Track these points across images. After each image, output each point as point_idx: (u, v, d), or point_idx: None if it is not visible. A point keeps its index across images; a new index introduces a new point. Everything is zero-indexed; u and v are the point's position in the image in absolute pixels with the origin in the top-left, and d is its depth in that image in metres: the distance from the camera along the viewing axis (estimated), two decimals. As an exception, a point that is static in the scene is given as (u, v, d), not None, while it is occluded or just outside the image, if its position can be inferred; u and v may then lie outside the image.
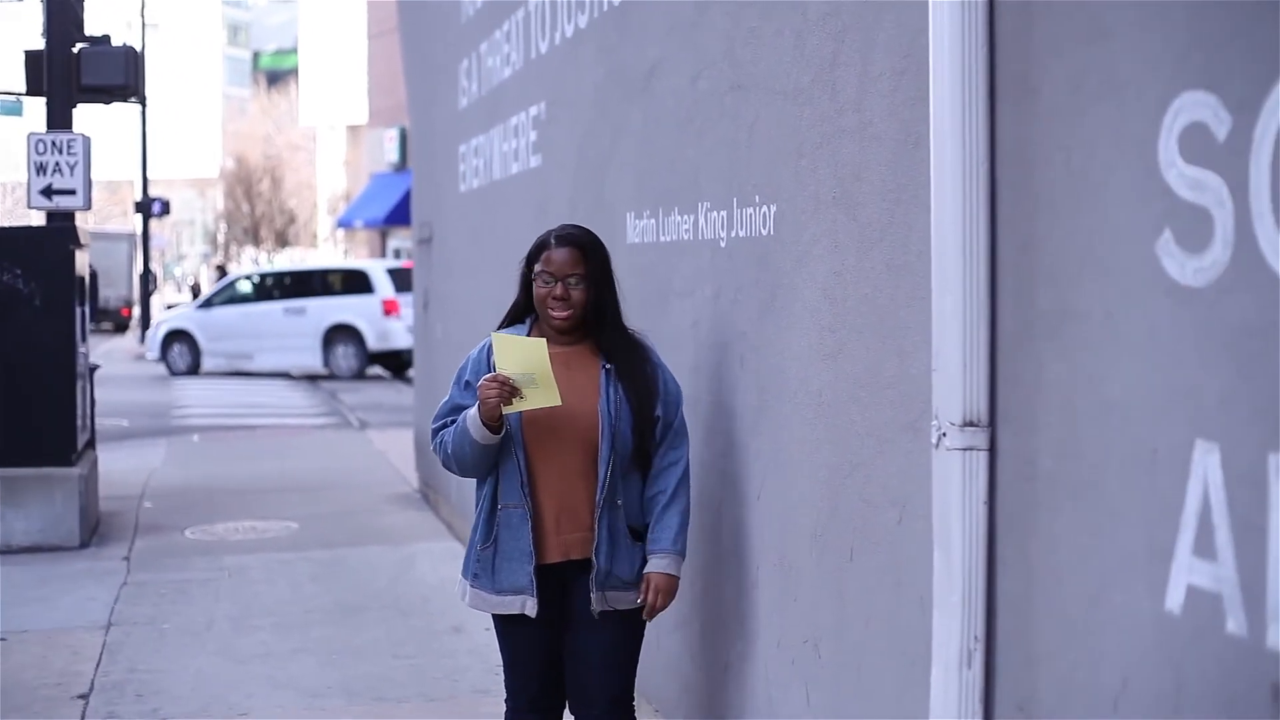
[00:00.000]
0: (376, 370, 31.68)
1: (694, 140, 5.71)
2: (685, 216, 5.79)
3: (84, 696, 7.61)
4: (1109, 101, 3.05)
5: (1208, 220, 2.73)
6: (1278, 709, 2.57)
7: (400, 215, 42.02)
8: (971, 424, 3.50)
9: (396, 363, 31.37)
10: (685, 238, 5.80)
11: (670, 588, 4.98)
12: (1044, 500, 3.33)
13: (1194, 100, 2.76)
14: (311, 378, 30.38)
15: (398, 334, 29.77)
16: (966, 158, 3.44)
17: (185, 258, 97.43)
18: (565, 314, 4.86)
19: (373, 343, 30.25)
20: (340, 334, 30.37)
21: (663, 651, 6.21)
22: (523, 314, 5.00)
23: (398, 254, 48.99)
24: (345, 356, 30.34)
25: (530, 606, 4.90)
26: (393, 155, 46.06)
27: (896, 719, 4.07)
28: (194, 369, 31.06)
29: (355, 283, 31.10)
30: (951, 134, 3.46)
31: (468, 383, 4.96)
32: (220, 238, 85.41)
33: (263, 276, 33.15)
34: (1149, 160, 2.88)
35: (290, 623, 9.06)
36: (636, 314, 6.31)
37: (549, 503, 4.91)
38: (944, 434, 3.54)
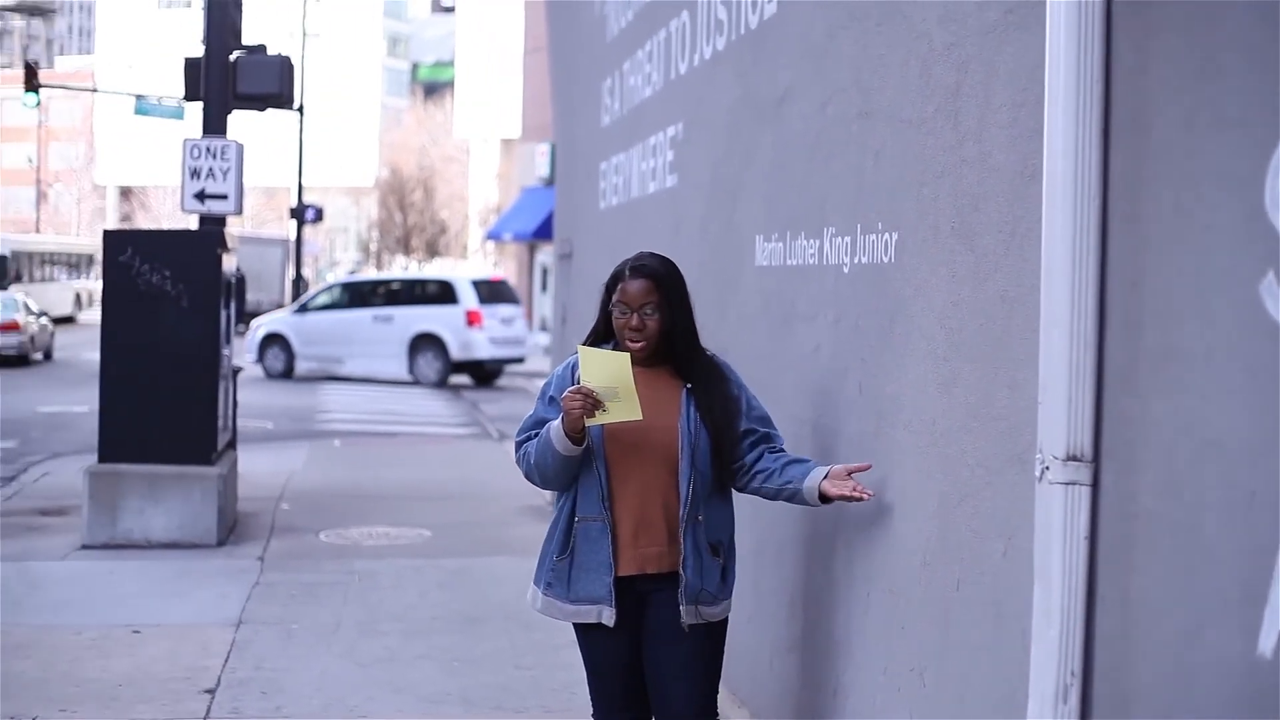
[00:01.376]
0: (463, 379, 32.37)
1: (822, 166, 5.73)
2: (811, 241, 5.81)
3: (210, 691, 7.77)
4: (1218, 140, 3.04)
5: (1310, 263, 2.72)
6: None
7: (548, 229, 42.15)
8: (1075, 459, 3.49)
9: (480, 372, 32.10)
10: (810, 262, 5.82)
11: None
12: (1143, 538, 3.32)
13: (1301, 143, 2.75)
14: (401, 382, 31.08)
15: (480, 344, 30.77)
16: (1078, 192, 3.44)
17: (338, 264, 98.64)
18: (640, 345, 4.95)
19: (455, 352, 30.94)
20: (425, 342, 31.07)
21: (775, 674, 6.23)
22: (602, 340, 5.08)
23: (545, 268, 49.40)
24: (429, 365, 31.02)
25: (608, 616, 4.98)
26: (543, 170, 46.33)
27: (995, 751, 4.07)
28: (288, 372, 31.74)
29: (441, 293, 31.83)
30: (1064, 168, 3.46)
31: (551, 398, 5.06)
32: (372, 246, 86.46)
33: (355, 284, 33.88)
34: (1254, 201, 2.88)
35: (414, 629, 9.17)
36: (762, 336, 6.37)
37: (627, 517, 4.98)
38: (1047, 468, 3.54)
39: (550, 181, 43.87)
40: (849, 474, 4.91)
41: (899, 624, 4.87)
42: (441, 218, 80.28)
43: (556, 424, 4.88)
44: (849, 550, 5.35)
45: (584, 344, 5.10)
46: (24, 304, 36.01)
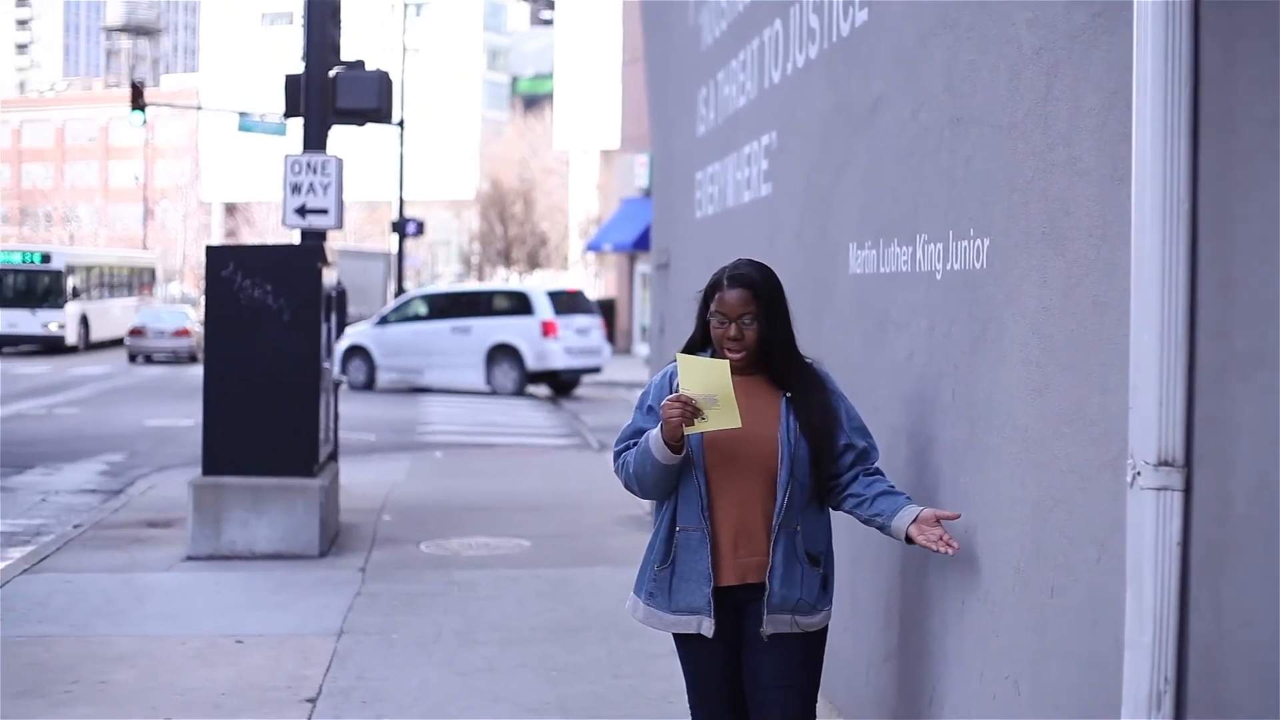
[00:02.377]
0: (541, 389, 32.72)
1: (914, 172, 5.72)
2: (904, 248, 5.80)
3: (311, 700, 7.84)
4: (1308, 141, 3.02)
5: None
6: None
7: (648, 240, 42.26)
8: (1166, 464, 3.47)
9: (557, 382, 32.59)
10: (904, 269, 5.81)
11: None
12: (1236, 543, 3.29)
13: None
14: (479, 393, 31.49)
15: (555, 354, 31.32)
16: (1168, 195, 3.42)
17: (440, 277, 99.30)
18: (739, 355, 4.92)
19: (531, 362, 31.42)
20: (501, 353, 31.59)
21: (872, 684, 6.22)
22: (699, 349, 5.06)
23: (644, 279, 49.47)
24: (505, 375, 31.54)
25: (707, 627, 4.97)
26: (643, 180, 46.45)
27: (1091, 759, 4.04)
28: (369, 384, 32.22)
29: (517, 304, 32.38)
30: (1153, 171, 3.44)
31: (650, 408, 5.06)
32: (474, 259, 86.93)
33: (434, 296, 34.35)
34: (1346, 202, 2.85)
35: (514, 639, 9.21)
36: (856, 344, 6.36)
37: (726, 526, 4.96)
38: (1139, 473, 3.52)
39: (649, 192, 44.00)
40: (937, 519, 4.89)
41: (993, 631, 4.85)
42: (542, 229, 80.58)
43: (655, 433, 4.88)
44: (944, 559, 5.31)
45: (681, 353, 5.11)
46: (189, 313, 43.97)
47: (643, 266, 49.76)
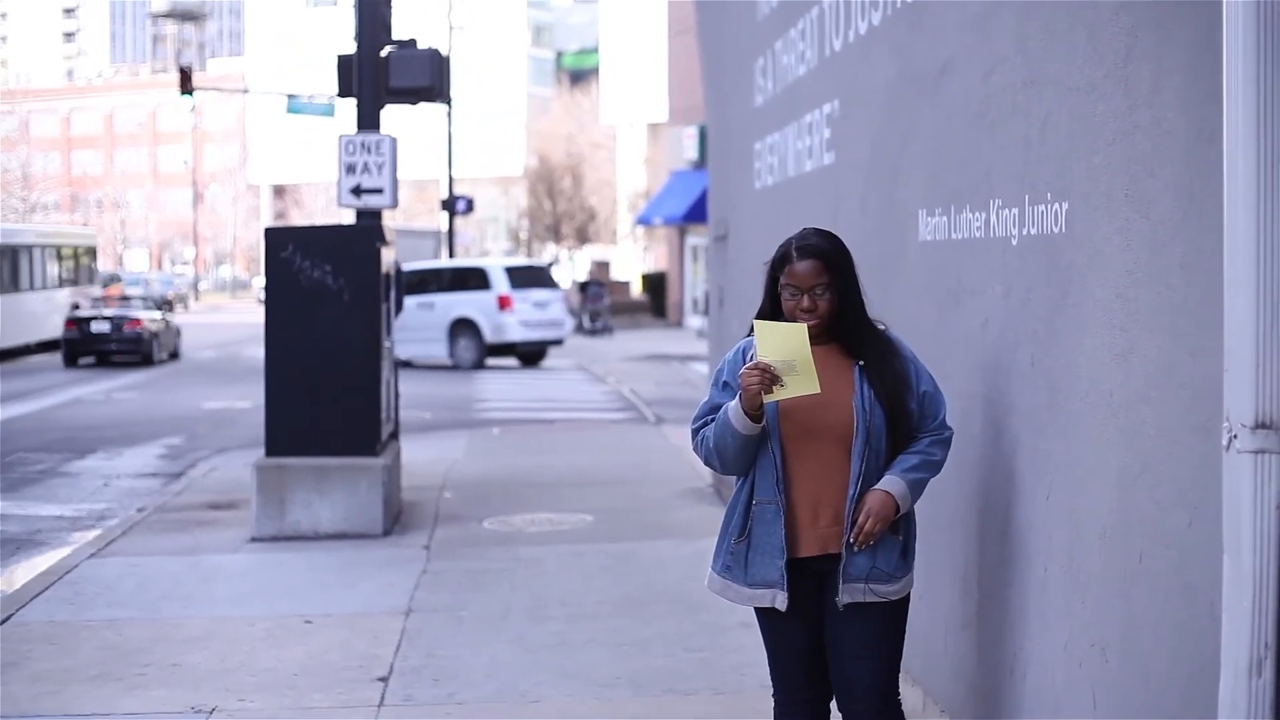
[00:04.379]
0: (503, 361, 34.01)
1: (986, 137, 5.66)
2: (977, 214, 5.74)
3: (383, 679, 7.86)
4: None
5: None
6: None
7: (698, 212, 42.33)
8: (1264, 426, 3.41)
9: (519, 354, 34.08)
10: (977, 235, 5.75)
11: (882, 508, 4.88)
12: (1339, 506, 3.23)
13: None
14: (443, 367, 32.42)
15: (511, 328, 32.82)
16: (1261, 153, 3.36)
17: (488, 253, 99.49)
18: (814, 325, 4.86)
19: (488, 335, 32.82)
20: (462, 327, 32.87)
21: (949, 653, 6.18)
22: (768, 319, 5.01)
23: (695, 251, 49.42)
24: (466, 348, 32.84)
25: (780, 601, 4.95)
26: (692, 153, 46.37)
27: (1185, 726, 3.99)
28: None
29: (477, 280, 33.71)
30: (1245, 128, 3.38)
31: (726, 383, 5.03)
32: (523, 235, 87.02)
33: (406, 274, 35.31)
34: None
35: (581, 614, 9.21)
36: (927, 310, 6.31)
37: (804, 497, 4.94)
38: (1235, 436, 3.46)
39: (699, 164, 43.96)
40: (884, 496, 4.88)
41: (1079, 599, 4.80)
42: (590, 204, 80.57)
43: (734, 404, 4.85)
44: (1023, 526, 5.28)
45: (750, 330, 5.08)
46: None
47: (693, 239, 49.70)
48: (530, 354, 34.30)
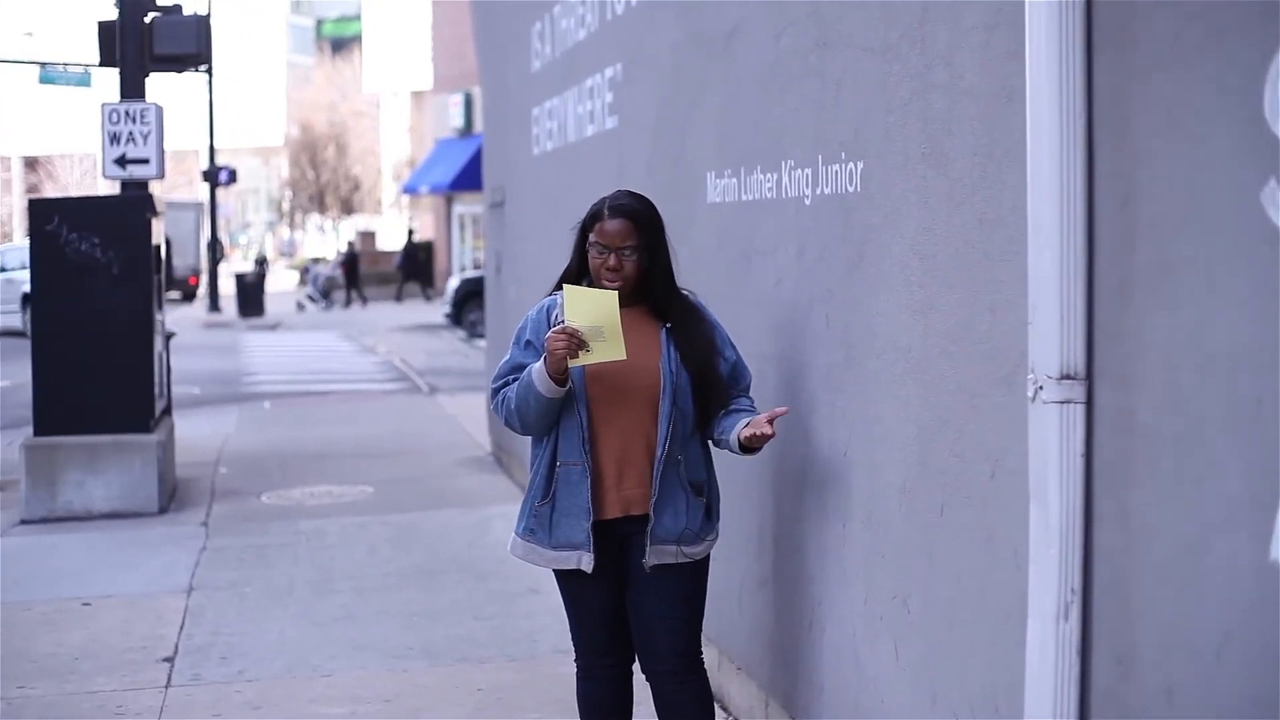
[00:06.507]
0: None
1: (778, 98, 5.69)
2: (768, 175, 5.78)
3: (169, 659, 7.70)
4: (1211, 51, 3.03)
5: (1315, 169, 2.71)
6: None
7: (466, 180, 42.11)
8: (1069, 377, 3.49)
9: None
10: (768, 196, 5.79)
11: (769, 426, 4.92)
12: (1142, 453, 3.32)
13: (1301, 48, 2.74)
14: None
15: None
16: (1064, 111, 3.43)
17: (250, 225, 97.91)
18: (617, 285, 4.89)
19: None
20: None
21: (746, 612, 6.23)
22: (575, 279, 5.02)
23: (462, 220, 49.16)
24: None
25: (586, 562, 4.96)
26: (458, 120, 46.07)
27: (989, 672, 4.08)
28: None
29: None
30: (1048, 87, 3.45)
31: (528, 342, 5.02)
32: (285, 205, 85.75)
33: None
34: (1254, 110, 2.87)
35: (369, 586, 9.13)
36: (718, 273, 6.34)
37: (609, 459, 4.96)
38: (1041, 387, 3.54)
39: (465, 132, 43.72)
40: (770, 420, 4.90)
41: (878, 553, 4.87)
42: (355, 174, 79.70)
43: (539, 366, 4.83)
44: (821, 483, 5.34)
45: (556, 287, 5.06)
46: None
47: (461, 207, 49.39)
48: None
